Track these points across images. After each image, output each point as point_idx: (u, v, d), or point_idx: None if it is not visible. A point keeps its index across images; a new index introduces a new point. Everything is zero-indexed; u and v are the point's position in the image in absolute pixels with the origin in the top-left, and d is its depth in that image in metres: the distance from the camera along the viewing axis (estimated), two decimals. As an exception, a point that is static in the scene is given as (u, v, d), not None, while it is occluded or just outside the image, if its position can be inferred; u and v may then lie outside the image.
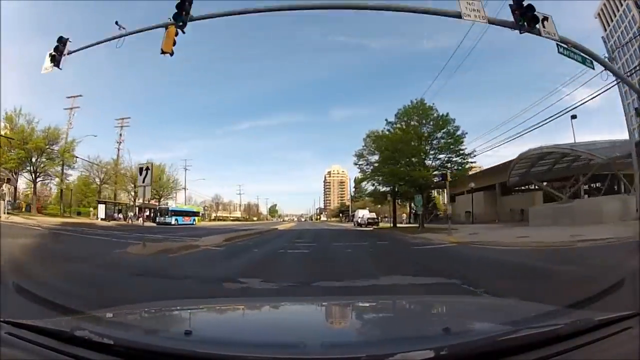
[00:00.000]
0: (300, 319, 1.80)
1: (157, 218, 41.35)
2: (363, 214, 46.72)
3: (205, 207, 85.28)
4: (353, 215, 63.44)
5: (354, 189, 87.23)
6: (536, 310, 1.76)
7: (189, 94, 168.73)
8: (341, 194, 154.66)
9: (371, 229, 35.96)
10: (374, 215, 46.21)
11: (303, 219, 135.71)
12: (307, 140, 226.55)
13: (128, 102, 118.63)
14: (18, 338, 1.11)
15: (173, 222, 41.08)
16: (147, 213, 43.65)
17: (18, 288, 3.33)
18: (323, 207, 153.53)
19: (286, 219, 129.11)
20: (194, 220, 47.48)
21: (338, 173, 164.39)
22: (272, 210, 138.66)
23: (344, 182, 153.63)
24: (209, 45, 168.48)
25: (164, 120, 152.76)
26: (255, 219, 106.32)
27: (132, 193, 46.95)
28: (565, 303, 1.93)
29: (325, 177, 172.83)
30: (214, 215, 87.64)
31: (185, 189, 59.18)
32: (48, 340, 1.09)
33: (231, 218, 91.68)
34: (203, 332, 1.38)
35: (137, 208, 45.33)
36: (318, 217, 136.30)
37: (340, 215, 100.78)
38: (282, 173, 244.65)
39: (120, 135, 47.17)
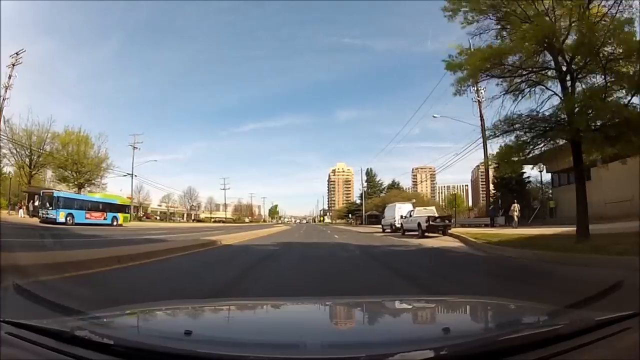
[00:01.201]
0: (300, 319, 1.80)
1: (40, 211, 25.68)
2: (409, 210, 23.34)
3: (193, 207, 76.02)
4: (375, 215, 43.88)
5: (366, 182, 73.21)
6: (536, 310, 1.76)
7: (193, 96, 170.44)
8: (347, 194, 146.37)
9: (474, 247, 12.18)
10: (433, 210, 22.25)
11: (305, 221, 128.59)
12: (312, 142, 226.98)
13: (129, 103, 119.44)
14: (18, 338, 1.11)
15: (63, 219, 24.74)
16: (37, 202, 28.15)
17: (18, 288, 3.32)
18: (327, 207, 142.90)
19: (286, 220, 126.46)
20: (115, 218, 30.11)
21: (343, 171, 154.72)
22: (273, 212, 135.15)
23: (349, 180, 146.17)
24: (213, 46, 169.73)
25: (167, 122, 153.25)
26: (247, 220, 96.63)
27: (24, 169, 33.04)
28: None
29: (329, 176, 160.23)
30: (205, 215, 76.90)
31: (132, 175, 43.14)
32: (48, 340, 1.09)
33: (214, 219, 77.17)
34: (203, 332, 1.38)
35: (26, 194, 32.76)
36: (322, 218, 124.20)
37: (350, 216, 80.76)
38: (287, 175, 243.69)
39: (10, 77, 28.54)
